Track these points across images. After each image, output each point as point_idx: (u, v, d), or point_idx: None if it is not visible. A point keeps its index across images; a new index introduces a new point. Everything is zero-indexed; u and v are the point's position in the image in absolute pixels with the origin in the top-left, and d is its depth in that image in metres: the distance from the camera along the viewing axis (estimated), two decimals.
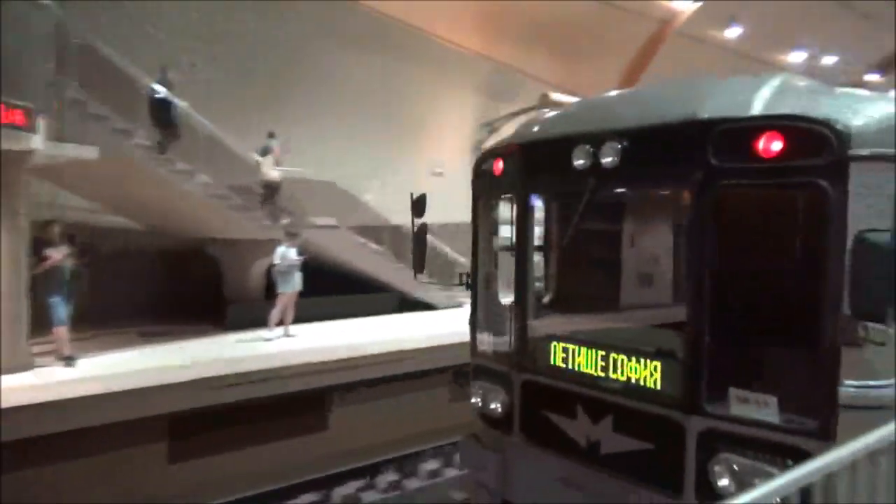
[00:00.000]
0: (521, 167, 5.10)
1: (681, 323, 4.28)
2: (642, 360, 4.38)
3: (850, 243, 3.44)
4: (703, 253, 4.10)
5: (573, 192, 4.72)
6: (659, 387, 4.28)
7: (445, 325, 13.97)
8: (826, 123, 3.60)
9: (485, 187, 5.54)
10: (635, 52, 20.72)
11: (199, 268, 14.54)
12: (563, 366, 4.81)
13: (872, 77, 27.58)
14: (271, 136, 13.99)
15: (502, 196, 5.43)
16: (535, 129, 5.24)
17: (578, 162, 4.50)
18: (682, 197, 4.46)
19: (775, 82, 4.23)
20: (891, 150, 3.59)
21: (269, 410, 9.93)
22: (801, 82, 4.50)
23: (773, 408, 3.76)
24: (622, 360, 4.48)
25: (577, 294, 5.88)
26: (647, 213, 5.84)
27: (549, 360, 4.90)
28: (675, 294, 5.30)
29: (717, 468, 3.89)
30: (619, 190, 5.07)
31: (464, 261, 16.98)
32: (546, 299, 5.65)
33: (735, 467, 3.81)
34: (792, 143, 3.68)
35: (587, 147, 4.46)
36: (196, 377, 9.44)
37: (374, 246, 15.08)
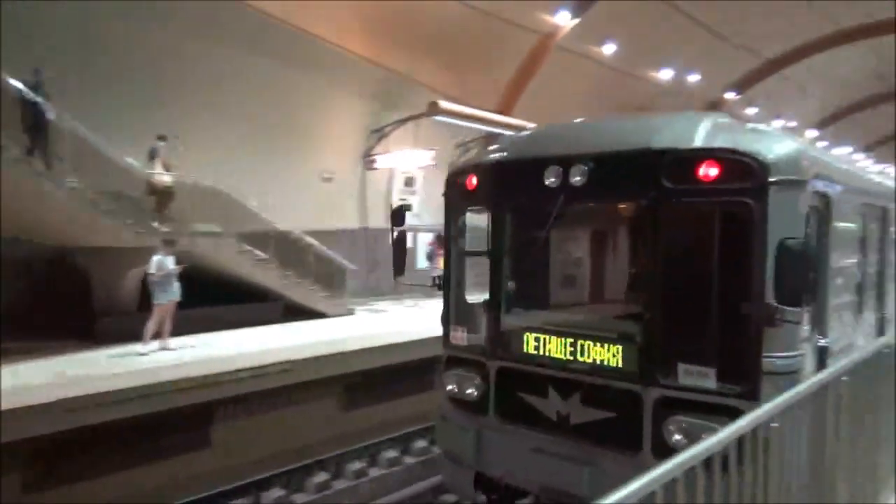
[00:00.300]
0: (496, 183, 5.89)
1: (638, 313, 5.22)
2: (606, 345, 5.26)
3: (771, 248, 4.48)
4: (657, 256, 5.12)
5: (544, 205, 5.42)
6: (620, 365, 5.18)
7: (335, 333, 13.79)
8: (751, 155, 4.68)
9: (457, 199, 6.23)
10: (520, 63, 21.41)
11: (65, 278, 13.44)
12: (535, 353, 5.60)
13: (730, 95, 30.13)
14: (161, 138, 13.21)
15: (475, 208, 6.17)
16: (507, 149, 6.10)
17: (550, 180, 5.35)
18: (640, 211, 5.42)
19: (708, 120, 5.24)
20: (797, 177, 4.73)
21: (143, 429, 9.33)
22: (725, 120, 5.50)
23: (712, 377, 4.73)
24: (588, 346, 5.33)
25: (544, 292, 6.66)
26: (608, 224, 6.64)
27: (522, 349, 5.68)
28: (631, 290, 5.98)
29: (670, 427, 4.81)
30: (584, 205, 5.77)
31: (354, 268, 16.85)
32: (516, 297, 6.15)
33: (684, 425, 4.74)
34: (726, 170, 4.72)
35: (558, 168, 5.33)
36: (58, 398, 8.69)
37: (259, 254, 14.59)
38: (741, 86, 30.36)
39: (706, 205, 4.96)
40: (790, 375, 4.46)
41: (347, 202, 19.04)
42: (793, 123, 36.30)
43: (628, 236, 6.39)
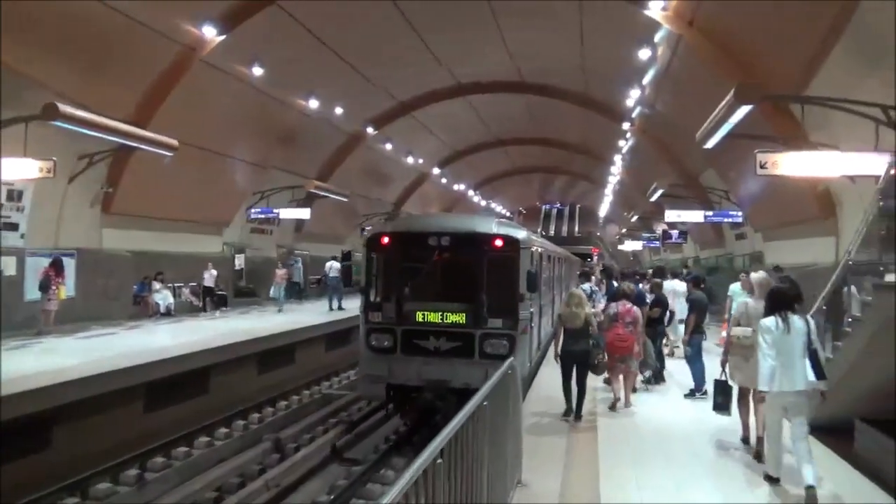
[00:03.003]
0: (399, 241, 12.46)
1: (471, 300, 11.74)
2: (458, 313, 11.71)
3: (523, 272, 11.85)
4: (478, 276, 11.92)
5: (427, 252, 11.91)
6: (464, 322, 11.66)
7: None
8: (514, 237, 12.10)
9: (374, 249, 12.58)
10: (160, 74, 19.65)
11: None
12: (422, 320, 11.80)
13: (370, 130, 32.54)
14: None
15: (386, 253, 12.59)
16: (403, 225, 14.23)
17: (431, 242, 11.86)
18: (471, 257, 12.08)
19: (495, 220, 13.48)
20: (529, 246, 12.29)
21: None
22: (503, 220, 15.05)
23: (500, 323, 11.62)
24: (449, 314, 11.74)
25: (425, 293, 12.19)
26: (458, 262, 12.36)
27: (415, 319, 11.82)
28: (468, 290, 11.90)
29: (485, 345, 11.55)
30: (447, 253, 12.02)
31: None
32: (410, 296, 12.06)
33: (491, 343, 11.54)
34: (505, 242, 11.89)
35: (435, 237, 11.90)
36: None
37: None
38: (378, 122, 32.98)
39: (498, 256, 11.82)
40: (526, 319, 11.70)
41: None
42: (421, 160, 41.00)
43: (466, 268, 12.26)
